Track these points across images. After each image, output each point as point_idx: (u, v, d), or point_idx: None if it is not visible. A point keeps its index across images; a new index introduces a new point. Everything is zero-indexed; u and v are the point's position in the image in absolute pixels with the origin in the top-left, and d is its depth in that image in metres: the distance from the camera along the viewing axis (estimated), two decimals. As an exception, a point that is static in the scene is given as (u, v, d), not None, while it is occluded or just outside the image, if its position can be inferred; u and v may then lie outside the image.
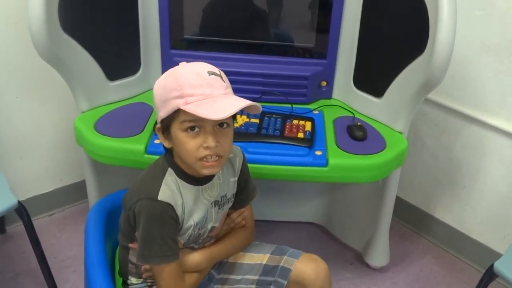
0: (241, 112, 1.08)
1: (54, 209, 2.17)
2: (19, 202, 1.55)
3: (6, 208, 1.52)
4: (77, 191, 2.16)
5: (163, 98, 1.11)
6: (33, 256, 1.67)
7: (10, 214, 1.59)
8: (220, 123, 1.11)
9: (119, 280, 1.37)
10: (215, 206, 1.26)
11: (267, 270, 1.34)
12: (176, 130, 1.11)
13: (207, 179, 1.22)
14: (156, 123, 1.19)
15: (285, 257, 1.34)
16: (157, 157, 1.48)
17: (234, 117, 1.16)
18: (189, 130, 1.10)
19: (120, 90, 1.74)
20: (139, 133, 1.56)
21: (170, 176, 1.18)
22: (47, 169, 2.10)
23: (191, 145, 1.10)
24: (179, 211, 1.17)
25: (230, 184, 1.30)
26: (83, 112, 1.67)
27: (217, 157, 1.12)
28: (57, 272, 1.81)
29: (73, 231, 2.07)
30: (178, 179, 1.18)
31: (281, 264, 1.33)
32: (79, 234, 1.99)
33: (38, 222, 2.07)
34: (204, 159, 1.11)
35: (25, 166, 2.03)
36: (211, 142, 1.09)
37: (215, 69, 1.12)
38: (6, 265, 1.89)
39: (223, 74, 1.13)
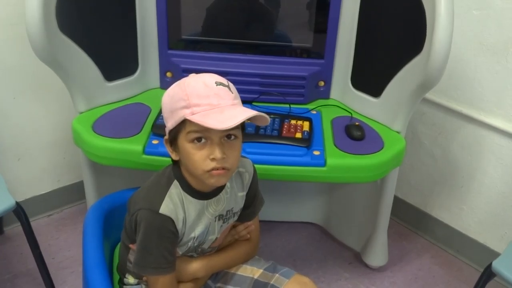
0: (248, 127, 1.07)
1: (52, 210, 2.17)
2: (17, 203, 1.54)
3: (4, 209, 1.51)
4: (75, 192, 2.16)
5: (170, 108, 1.10)
6: (31, 257, 1.67)
7: (8, 215, 1.59)
8: (228, 135, 1.09)
9: (116, 277, 1.37)
10: (219, 220, 1.24)
11: (257, 286, 1.32)
12: (183, 141, 1.10)
13: (214, 193, 1.21)
14: (161, 134, 1.17)
15: (277, 275, 1.31)
16: (155, 157, 1.49)
17: (243, 129, 1.15)
18: (195, 141, 1.08)
19: (118, 91, 1.74)
20: (137, 134, 1.56)
21: (175, 189, 1.17)
22: (45, 170, 2.10)
23: (197, 157, 1.08)
24: (179, 225, 1.16)
25: (238, 199, 1.28)
26: (81, 113, 1.67)
27: (224, 170, 1.10)
28: (55, 273, 1.81)
29: (71, 232, 2.07)
30: (183, 192, 1.17)
31: (271, 282, 1.30)
32: (78, 235, 1.99)
33: (36, 223, 2.07)
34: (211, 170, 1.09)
35: (23, 167, 2.03)
36: (217, 153, 1.07)
37: (223, 80, 1.11)
38: (3, 266, 1.88)
39: (231, 85, 1.12)
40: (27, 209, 1.61)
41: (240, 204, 1.29)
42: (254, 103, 1.77)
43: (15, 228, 2.00)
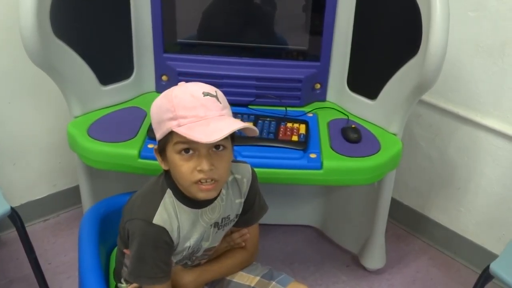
0: (239, 133, 1.06)
1: (48, 215, 2.16)
2: (12, 208, 1.53)
3: (-1, 215, 1.51)
4: (71, 196, 2.14)
5: (158, 119, 1.10)
6: (27, 263, 1.66)
7: (3, 220, 1.57)
8: (216, 145, 1.08)
9: (113, 282, 1.36)
10: (214, 227, 1.23)
11: None
12: (171, 152, 1.09)
13: (208, 201, 1.19)
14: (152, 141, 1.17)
15: (273, 283, 1.30)
16: (150, 161, 1.49)
17: (232, 139, 1.14)
18: (183, 152, 1.07)
19: (113, 95, 1.73)
20: (133, 138, 1.55)
21: (168, 198, 1.15)
22: (40, 174, 2.09)
23: (185, 168, 1.07)
24: (174, 236, 1.15)
25: (235, 205, 1.26)
26: (76, 117, 1.66)
27: (213, 181, 1.09)
28: (51, 279, 1.80)
29: (67, 237, 2.06)
30: (176, 201, 1.16)
31: None
32: (74, 240, 1.96)
33: (32, 228, 2.06)
34: (199, 182, 1.08)
35: (18, 172, 2.02)
36: (204, 165, 1.06)
37: (212, 90, 1.09)
38: None
39: (220, 94, 1.11)
40: (23, 214, 1.61)
41: (237, 210, 1.27)
42: (250, 106, 1.77)
43: (11, 233, 1.99)
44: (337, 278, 1.93)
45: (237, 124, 1.06)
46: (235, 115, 1.64)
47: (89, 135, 1.56)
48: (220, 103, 1.09)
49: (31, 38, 1.43)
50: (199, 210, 1.18)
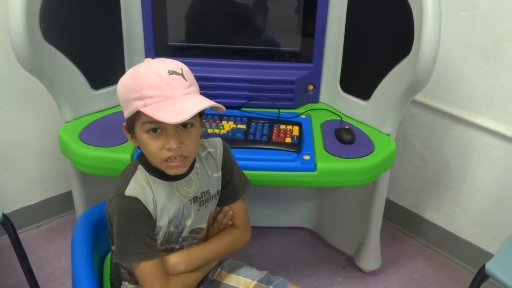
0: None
1: (41, 221, 2.15)
2: (3, 214, 1.52)
3: (-9, 222, 1.49)
4: (64, 202, 2.13)
5: (124, 98, 1.10)
6: (20, 270, 1.65)
7: (-5, 227, 1.57)
8: (184, 124, 1.09)
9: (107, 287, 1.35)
10: (194, 202, 1.22)
11: None
12: (139, 131, 1.10)
13: (182, 175, 1.18)
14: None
15: (271, 287, 1.29)
16: (143, 166, 1.48)
17: (200, 115, 1.14)
18: (151, 132, 1.08)
19: (105, 99, 1.72)
20: (125, 142, 1.54)
21: (140, 173, 1.16)
22: (33, 180, 2.08)
23: (153, 147, 1.09)
24: (150, 207, 1.14)
25: (213, 180, 1.25)
26: (68, 122, 1.65)
27: (182, 158, 1.10)
28: (45, 285, 1.79)
29: (61, 243, 2.04)
30: (148, 175, 1.16)
31: None
32: (67, 245, 1.94)
33: (25, 234, 2.05)
34: (169, 159, 1.10)
35: (10, 178, 2.00)
36: (172, 144, 1.07)
37: (177, 67, 1.09)
38: (-8, 279, 1.86)
39: (186, 70, 1.10)
40: (15, 220, 1.60)
41: (217, 186, 1.27)
42: (243, 109, 1.76)
43: (3, 240, 1.96)
44: (333, 280, 1.93)
45: (204, 103, 1.07)
46: (228, 117, 1.64)
47: (81, 140, 1.55)
48: (186, 80, 1.08)
49: (21, 43, 1.42)
50: (174, 183, 1.18)
